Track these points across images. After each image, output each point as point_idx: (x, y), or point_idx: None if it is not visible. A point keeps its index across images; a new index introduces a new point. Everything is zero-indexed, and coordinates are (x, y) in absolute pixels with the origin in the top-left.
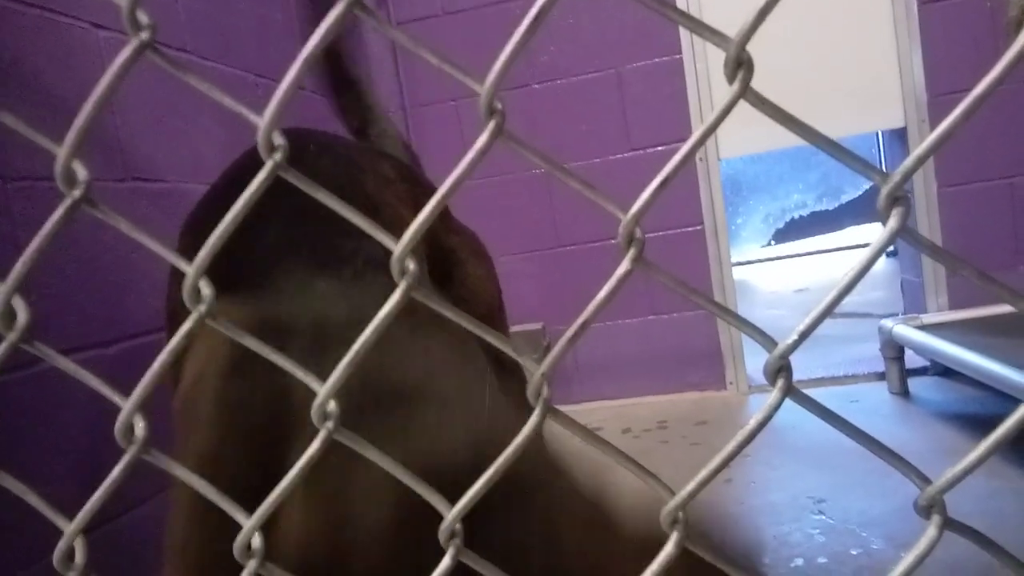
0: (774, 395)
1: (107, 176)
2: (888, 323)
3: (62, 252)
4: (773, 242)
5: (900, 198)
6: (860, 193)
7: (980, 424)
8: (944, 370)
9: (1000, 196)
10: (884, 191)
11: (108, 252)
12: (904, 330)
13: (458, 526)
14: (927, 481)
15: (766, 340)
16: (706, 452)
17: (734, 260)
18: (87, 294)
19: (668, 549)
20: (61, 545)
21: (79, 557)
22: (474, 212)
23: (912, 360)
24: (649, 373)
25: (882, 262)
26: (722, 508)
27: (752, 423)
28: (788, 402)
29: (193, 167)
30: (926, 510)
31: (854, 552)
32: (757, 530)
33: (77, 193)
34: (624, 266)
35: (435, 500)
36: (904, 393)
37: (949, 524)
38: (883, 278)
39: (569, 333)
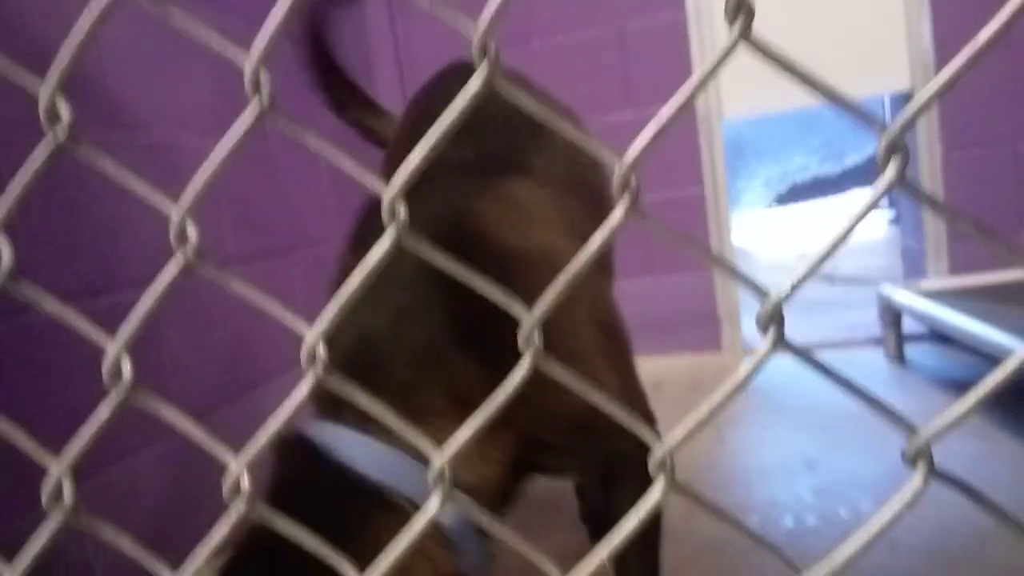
0: (765, 344)
1: (94, 127)
2: (887, 288)
3: (48, 199)
4: (775, 206)
5: (899, 148)
6: (864, 158)
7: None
8: (941, 337)
9: (1005, 161)
10: (883, 141)
11: (95, 201)
12: (903, 296)
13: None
14: (914, 430)
15: (758, 290)
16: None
17: (734, 225)
18: (75, 244)
19: (655, 495)
20: (49, 483)
21: (67, 496)
22: None
23: (910, 327)
24: (645, 334)
25: (884, 229)
26: (715, 469)
27: (742, 371)
28: (782, 364)
29: (182, 119)
30: (912, 460)
31: (843, 513)
32: (748, 491)
33: (60, 131)
34: (618, 213)
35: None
36: (900, 359)
37: (935, 474)
38: (884, 245)
39: (561, 281)
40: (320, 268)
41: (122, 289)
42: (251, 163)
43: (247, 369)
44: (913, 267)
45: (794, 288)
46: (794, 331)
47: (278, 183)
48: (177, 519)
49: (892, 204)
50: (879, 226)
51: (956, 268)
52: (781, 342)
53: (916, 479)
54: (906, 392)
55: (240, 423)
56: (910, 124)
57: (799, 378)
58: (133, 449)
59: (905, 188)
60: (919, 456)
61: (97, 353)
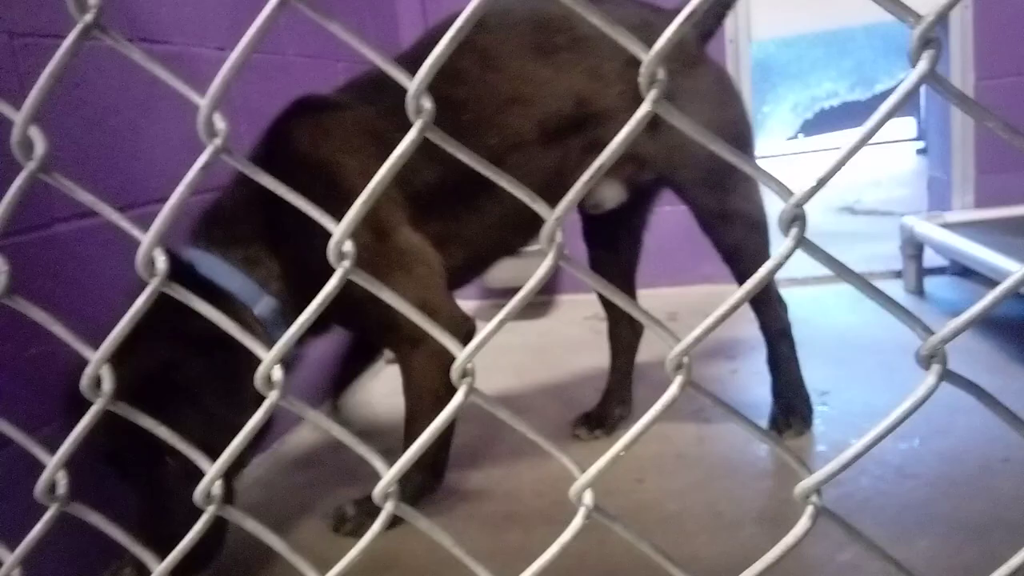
0: (786, 243)
1: None
2: (910, 220)
3: (70, 111)
4: (801, 135)
5: (932, 40)
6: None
7: (992, 323)
8: (962, 270)
9: None
10: (916, 32)
11: (114, 115)
12: (925, 227)
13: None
14: (929, 332)
15: (781, 188)
16: (711, 342)
17: (759, 153)
18: (97, 159)
19: (672, 391)
20: (89, 373)
21: (106, 384)
22: None
23: (932, 260)
24: (661, 264)
25: (912, 160)
26: (726, 396)
27: (763, 270)
28: (800, 296)
29: (201, 30)
30: (927, 360)
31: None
32: (759, 418)
33: (89, 17)
34: (644, 107)
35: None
36: (919, 292)
37: (948, 375)
38: (910, 176)
39: (578, 185)
40: None
41: (145, 206)
42: (264, 71)
43: None
44: (939, 199)
45: (819, 185)
46: (811, 262)
47: (292, 90)
48: None
49: (921, 135)
50: (907, 157)
51: (982, 201)
52: (803, 242)
53: (930, 378)
54: None
55: None
56: (943, 15)
57: (816, 310)
58: None
59: (936, 81)
60: (934, 356)
61: (120, 264)
